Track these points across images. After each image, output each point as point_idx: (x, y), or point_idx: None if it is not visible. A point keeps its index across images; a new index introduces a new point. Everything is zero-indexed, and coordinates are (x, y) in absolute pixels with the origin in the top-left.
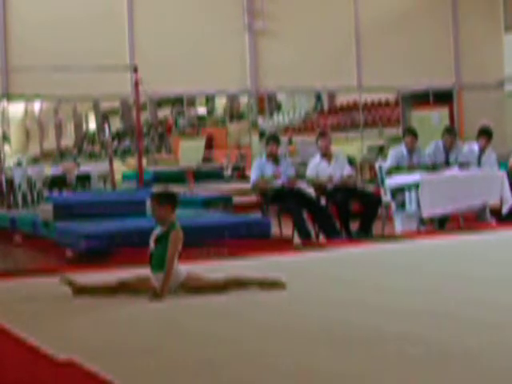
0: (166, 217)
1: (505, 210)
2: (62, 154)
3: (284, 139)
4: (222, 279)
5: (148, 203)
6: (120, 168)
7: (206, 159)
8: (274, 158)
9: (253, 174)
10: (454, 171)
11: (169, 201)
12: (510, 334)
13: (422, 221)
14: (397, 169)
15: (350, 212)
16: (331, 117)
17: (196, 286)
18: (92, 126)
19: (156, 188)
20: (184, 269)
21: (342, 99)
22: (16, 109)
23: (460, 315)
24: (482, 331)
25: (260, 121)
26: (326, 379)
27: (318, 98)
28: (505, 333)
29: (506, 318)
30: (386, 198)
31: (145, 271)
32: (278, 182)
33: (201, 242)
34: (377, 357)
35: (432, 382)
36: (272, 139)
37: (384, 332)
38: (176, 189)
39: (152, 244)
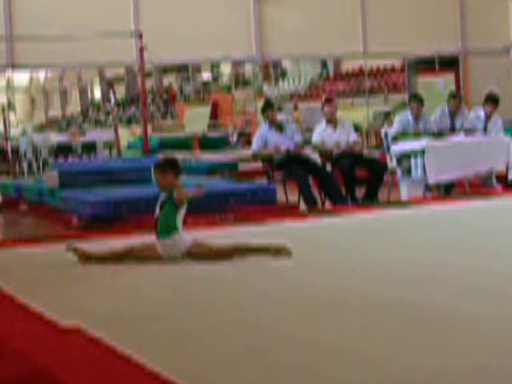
0: (170, 184)
1: (511, 177)
2: (67, 122)
3: (290, 106)
4: (227, 246)
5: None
6: (125, 135)
7: (212, 126)
8: (278, 125)
9: (254, 142)
10: (459, 137)
11: (171, 168)
12: (506, 298)
13: (427, 187)
14: (403, 135)
15: (355, 178)
16: (337, 83)
17: (202, 252)
18: (97, 93)
19: (160, 156)
20: (190, 236)
21: (347, 65)
22: (21, 77)
23: (461, 282)
24: (483, 298)
25: (265, 87)
26: (327, 348)
27: (324, 64)
28: (505, 299)
29: (506, 286)
30: (392, 164)
31: (151, 238)
32: (283, 149)
33: (206, 208)
34: (379, 324)
35: (435, 346)
36: (267, 106)
37: (389, 299)
38: (181, 155)
39: (157, 211)
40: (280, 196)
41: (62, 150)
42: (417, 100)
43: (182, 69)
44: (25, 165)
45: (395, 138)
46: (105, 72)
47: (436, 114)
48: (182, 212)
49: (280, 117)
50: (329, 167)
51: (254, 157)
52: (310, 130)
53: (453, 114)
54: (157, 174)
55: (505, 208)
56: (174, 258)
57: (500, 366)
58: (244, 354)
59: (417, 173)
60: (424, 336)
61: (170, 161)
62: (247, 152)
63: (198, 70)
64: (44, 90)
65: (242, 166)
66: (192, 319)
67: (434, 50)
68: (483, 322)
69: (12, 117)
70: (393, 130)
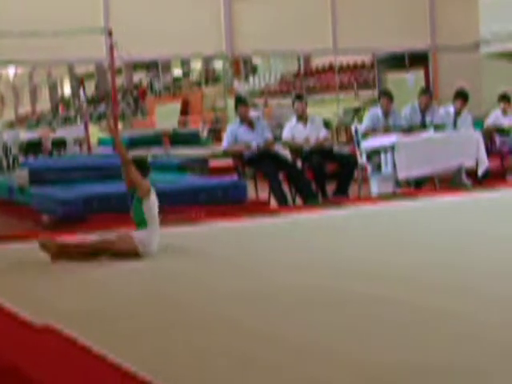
0: (133, 182)
1: (480, 172)
2: (37, 119)
3: (260, 102)
4: (89, 244)
5: None
6: (95, 132)
7: (182, 122)
8: (249, 122)
9: (225, 140)
10: (429, 133)
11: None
12: (473, 296)
13: (397, 183)
14: (373, 131)
15: (325, 174)
16: (307, 79)
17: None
18: (67, 90)
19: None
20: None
21: (317, 62)
22: None
23: (425, 278)
24: (446, 293)
25: (236, 84)
26: (294, 344)
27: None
28: (469, 292)
29: (473, 281)
30: (362, 160)
31: (123, 231)
32: (254, 146)
33: (177, 205)
34: (345, 320)
35: (400, 342)
36: (240, 102)
37: (355, 296)
38: (152, 152)
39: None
40: (251, 193)
41: (32, 147)
42: (386, 96)
43: (151, 66)
44: None
45: (365, 134)
46: (75, 69)
47: (406, 109)
48: (149, 205)
49: (252, 113)
50: (299, 164)
51: (225, 153)
52: (280, 126)
53: (423, 110)
54: (122, 172)
55: (474, 203)
56: (150, 246)
57: (463, 364)
58: (214, 351)
59: (387, 169)
60: (389, 332)
61: (135, 161)
62: (218, 148)
63: (168, 66)
64: (13, 88)
65: (213, 163)
66: (162, 315)
67: (404, 47)
68: (451, 320)
69: None
70: (363, 125)
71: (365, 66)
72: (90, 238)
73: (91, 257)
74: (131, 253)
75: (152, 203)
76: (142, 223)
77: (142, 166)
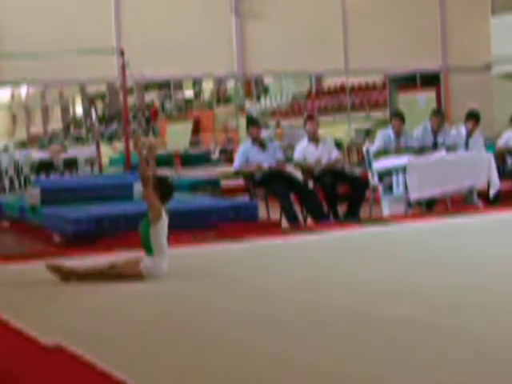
0: (148, 199)
1: (492, 193)
2: (49, 139)
3: (271, 123)
4: (93, 269)
5: (135, 187)
6: (107, 152)
7: (194, 143)
8: (261, 143)
9: (236, 160)
10: (441, 154)
11: (156, 186)
12: (490, 313)
13: (409, 204)
14: (384, 152)
15: (337, 195)
16: (318, 100)
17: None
18: (79, 110)
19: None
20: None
21: (329, 82)
22: (2, 93)
23: (438, 298)
24: (459, 313)
25: (247, 104)
26: (306, 366)
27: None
28: (484, 312)
29: (487, 301)
30: (374, 181)
31: (133, 254)
32: (265, 166)
33: (188, 225)
34: (357, 342)
35: (411, 362)
36: (251, 123)
37: (366, 315)
38: (163, 172)
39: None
40: (262, 213)
41: (44, 166)
42: (398, 117)
43: (163, 86)
44: (6, 181)
45: (377, 155)
46: (86, 89)
47: (419, 129)
48: (156, 230)
49: (264, 133)
50: (311, 184)
51: (236, 174)
52: (291, 147)
53: (435, 131)
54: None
55: (486, 225)
56: (156, 276)
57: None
58: (220, 370)
59: (398, 189)
60: (402, 352)
61: (157, 179)
62: (229, 169)
63: (179, 86)
64: (25, 107)
65: (224, 183)
66: (169, 335)
67: (416, 67)
68: (464, 339)
69: None
70: (374, 146)
71: (376, 87)
72: (99, 261)
73: (99, 279)
74: (138, 278)
75: (159, 229)
76: (147, 246)
77: (164, 188)
